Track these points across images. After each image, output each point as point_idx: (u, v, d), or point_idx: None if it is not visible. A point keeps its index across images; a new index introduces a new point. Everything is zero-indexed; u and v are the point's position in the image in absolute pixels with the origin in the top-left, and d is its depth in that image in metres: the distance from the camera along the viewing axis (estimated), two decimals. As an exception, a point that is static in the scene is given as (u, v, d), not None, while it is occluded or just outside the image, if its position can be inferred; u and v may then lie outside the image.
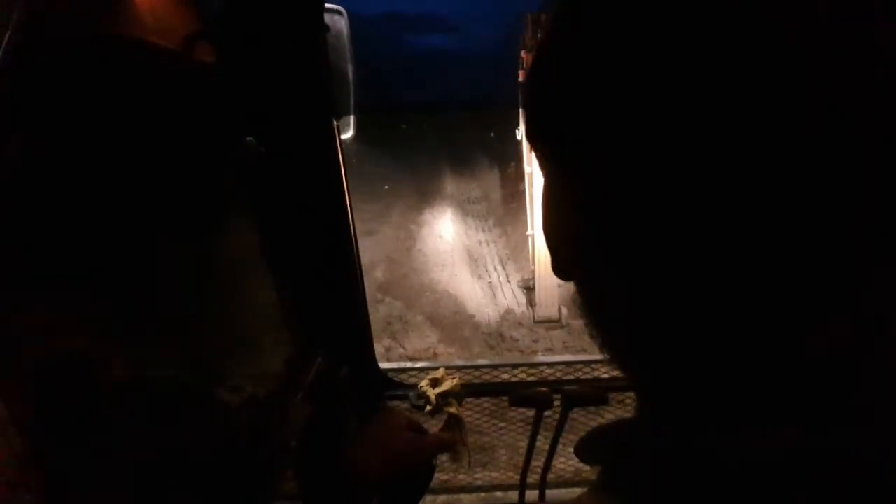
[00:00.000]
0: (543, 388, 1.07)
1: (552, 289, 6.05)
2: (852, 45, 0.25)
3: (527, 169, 6.26)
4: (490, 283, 6.72)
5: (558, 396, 1.06)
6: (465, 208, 8.27)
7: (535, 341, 5.79)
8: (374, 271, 6.24)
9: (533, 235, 6.20)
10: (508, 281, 6.70)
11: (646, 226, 0.30)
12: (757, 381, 0.30)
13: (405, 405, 1.13)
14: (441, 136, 9.43)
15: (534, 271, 6.19)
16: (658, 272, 0.30)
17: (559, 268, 0.38)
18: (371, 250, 6.48)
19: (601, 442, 0.40)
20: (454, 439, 0.89)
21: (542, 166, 0.37)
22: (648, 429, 0.36)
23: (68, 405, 0.78)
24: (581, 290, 0.38)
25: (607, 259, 0.33)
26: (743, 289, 0.28)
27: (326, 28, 0.97)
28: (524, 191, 6.41)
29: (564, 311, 6.04)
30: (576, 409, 1.06)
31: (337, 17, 1.06)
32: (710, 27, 0.26)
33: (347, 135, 1.05)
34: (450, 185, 8.74)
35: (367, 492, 0.75)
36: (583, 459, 0.40)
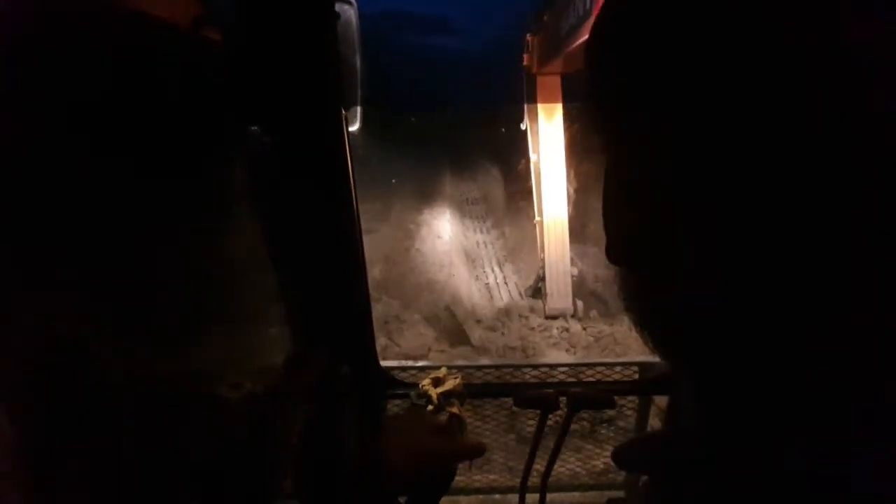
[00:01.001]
0: (549, 390, 1.05)
1: (564, 276, 5.85)
2: (851, 45, 0.25)
3: (532, 157, 6.22)
4: (487, 284, 6.71)
5: (563, 398, 1.05)
6: (463, 209, 8.28)
7: (546, 334, 5.66)
8: (371, 270, 6.23)
9: (541, 222, 6.06)
10: (506, 283, 6.69)
11: (703, 210, 0.29)
12: (815, 391, 0.29)
13: (406, 404, 1.11)
14: (446, 133, 9.42)
15: (543, 259, 6.03)
16: (727, 260, 0.29)
17: (616, 252, 0.37)
18: (369, 249, 6.47)
19: (647, 449, 0.39)
20: (482, 446, 0.90)
21: (613, 144, 0.37)
22: (702, 434, 0.35)
23: (64, 400, 0.76)
24: (638, 277, 0.36)
25: (677, 241, 0.32)
26: (796, 290, 0.27)
27: (337, 16, 0.95)
28: (530, 189, 6.40)
29: (580, 303, 5.80)
30: (581, 412, 1.05)
31: (346, 6, 1.04)
32: (714, 27, 0.27)
33: (354, 126, 1.03)
34: (450, 185, 8.75)
35: (394, 487, 0.77)
36: (623, 466, 0.39)
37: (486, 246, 7.49)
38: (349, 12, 1.03)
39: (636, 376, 1.32)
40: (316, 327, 1.09)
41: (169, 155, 0.85)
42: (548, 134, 6.18)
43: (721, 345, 0.31)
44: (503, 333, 5.64)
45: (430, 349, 5.26)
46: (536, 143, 6.21)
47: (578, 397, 1.02)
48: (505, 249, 7.34)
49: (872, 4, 0.25)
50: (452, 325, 5.63)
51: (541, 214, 6.12)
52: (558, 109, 6.22)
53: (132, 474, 0.83)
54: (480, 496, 1.55)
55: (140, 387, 0.86)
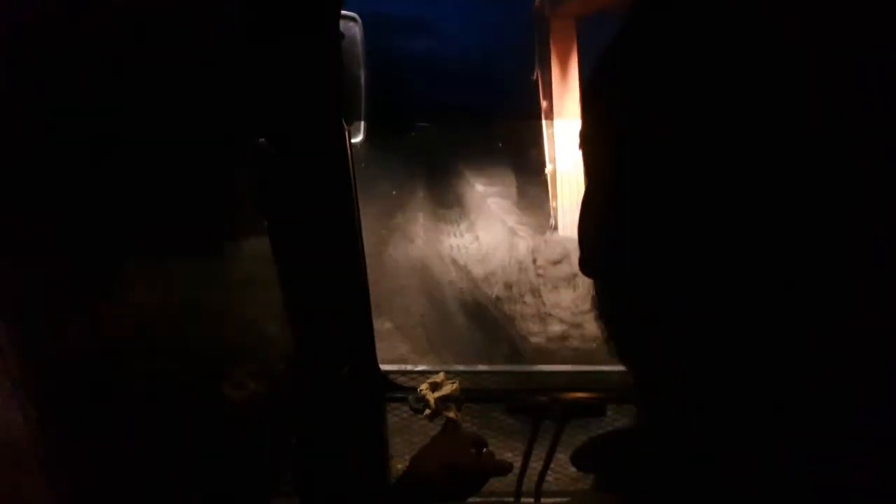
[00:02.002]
0: (542, 397, 1.08)
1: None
2: (851, 46, 0.25)
3: (544, 104, 6.00)
4: (462, 288, 6.70)
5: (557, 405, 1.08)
6: (437, 214, 8.25)
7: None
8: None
9: (553, 170, 5.80)
10: (479, 286, 6.68)
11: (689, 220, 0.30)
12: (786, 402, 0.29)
13: (405, 407, 1.14)
14: (444, 145, 9.32)
15: (555, 209, 5.79)
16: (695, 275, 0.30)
17: (592, 264, 0.38)
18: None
19: (600, 450, 0.40)
20: (509, 465, 0.96)
21: (599, 156, 0.37)
22: (658, 437, 0.35)
23: (81, 397, 0.77)
24: (614, 289, 0.36)
25: (658, 254, 0.31)
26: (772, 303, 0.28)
27: (341, 35, 0.98)
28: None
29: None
30: (573, 419, 1.08)
31: (351, 23, 1.07)
32: (715, 28, 0.28)
33: (357, 139, 1.05)
34: (443, 191, 8.67)
35: (422, 495, 0.84)
36: (581, 468, 0.39)
37: (460, 250, 7.49)
38: (354, 29, 1.06)
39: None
40: (317, 330, 1.10)
41: (180, 162, 0.86)
42: (561, 79, 5.82)
43: (714, 350, 0.31)
44: (505, 272, 5.45)
45: (405, 360, 5.16)
46: (548, 90, 5.89)
47: (570, 404, 1.06)
48: (480, 252, 7.34)
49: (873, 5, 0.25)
50: (428, 340, 5.51)
51: (552, 162, 5.79)
52: (573, 53, 5.83)
53: (136, 471, 0.85)
54: (477, 499, 1.56)
55: (144, 387, 0.88)
